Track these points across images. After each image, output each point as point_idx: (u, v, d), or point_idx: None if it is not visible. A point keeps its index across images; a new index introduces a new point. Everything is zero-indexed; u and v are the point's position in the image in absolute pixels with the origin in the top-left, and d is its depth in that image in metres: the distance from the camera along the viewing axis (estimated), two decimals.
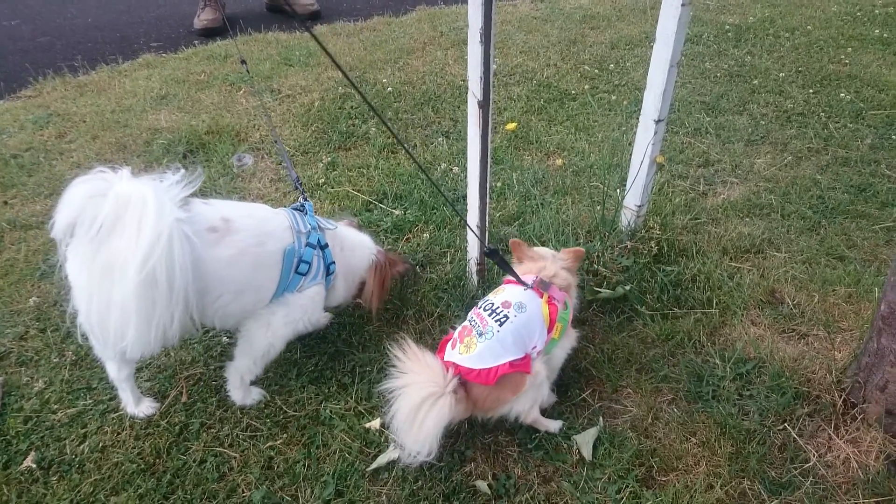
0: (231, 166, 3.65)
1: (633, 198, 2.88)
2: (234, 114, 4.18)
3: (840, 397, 2.21)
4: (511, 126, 3.68)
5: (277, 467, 2.11)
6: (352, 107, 4.27)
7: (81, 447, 2.16)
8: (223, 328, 2.40)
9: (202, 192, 3.33)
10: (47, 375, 2.41)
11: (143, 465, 2.10)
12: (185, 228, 1.82)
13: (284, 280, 2.16)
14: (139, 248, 1.71)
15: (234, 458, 2.14)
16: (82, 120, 4.07)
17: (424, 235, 3.13)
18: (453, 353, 2.04)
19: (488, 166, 2.42)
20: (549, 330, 2.13)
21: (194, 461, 2.12)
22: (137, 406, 2.26)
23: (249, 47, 5.19)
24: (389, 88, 4.53)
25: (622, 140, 3.89)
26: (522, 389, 2.05)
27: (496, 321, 2.05)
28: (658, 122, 2.63)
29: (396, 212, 3.31)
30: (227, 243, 2.00)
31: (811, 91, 4.57)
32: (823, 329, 2.56)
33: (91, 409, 2.29)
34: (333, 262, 2.29)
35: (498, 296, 2.16)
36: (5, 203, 3.35)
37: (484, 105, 2.23)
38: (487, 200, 2.52)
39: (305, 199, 2.39)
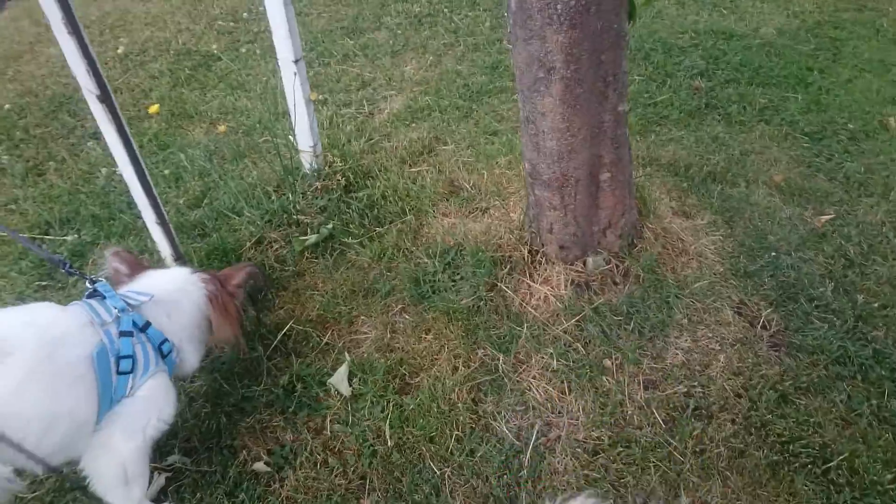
0: None
1: (305, 140, 2.92)
2: None
3: (525, 250, 2.57)
4: (154, 109, 3.44)
5: None
6: None
7: None
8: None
9: None
10: None
11: None
12: None
13: (107, 390, 1.69)
14: None
15: None
16: None
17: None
18: None
19: (140, 159, 2.26)
20: None
21: None
22: None
23: None
24: (7, 105, 3.92)
25: (278, 87, 3.87)
26: None
27: None
28: (296, 61, 2.66)
29: (69, 237, 2.97)
30: (4, 371, 1.53)
31: None
32: (498, 199, 2.92)
33: None
34: (167, 340, 1.84)
35: None
36: None
37: (105, 98, 2.06)
38: (155, 193, 2.37)
39: (93, 281, 1.84)
